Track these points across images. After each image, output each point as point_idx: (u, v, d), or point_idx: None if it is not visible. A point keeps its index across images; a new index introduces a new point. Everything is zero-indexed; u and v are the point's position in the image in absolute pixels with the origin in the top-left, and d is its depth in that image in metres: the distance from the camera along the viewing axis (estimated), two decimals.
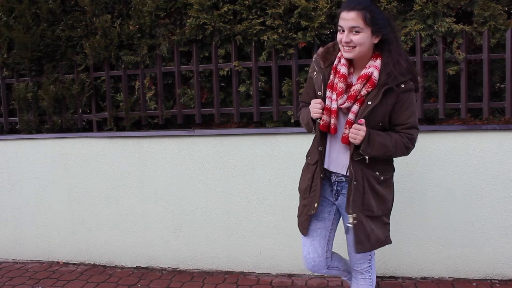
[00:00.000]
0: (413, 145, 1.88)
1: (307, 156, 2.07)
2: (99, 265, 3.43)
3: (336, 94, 1.82)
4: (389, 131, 1.86)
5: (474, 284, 2.81)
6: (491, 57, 2.82)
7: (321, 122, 1.85)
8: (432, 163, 2.82)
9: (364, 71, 1.79)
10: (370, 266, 2.05)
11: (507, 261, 2.82)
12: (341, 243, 2.15)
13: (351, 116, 1.81)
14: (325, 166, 1.94)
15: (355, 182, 1.84)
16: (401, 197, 2.87)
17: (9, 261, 3.63)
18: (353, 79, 1.84)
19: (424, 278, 2.91)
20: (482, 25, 2.79)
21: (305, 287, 2.89)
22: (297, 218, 2.08)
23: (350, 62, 1.84)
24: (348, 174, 1.87)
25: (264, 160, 3.04)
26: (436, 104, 2.90)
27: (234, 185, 3.11)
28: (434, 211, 2.85)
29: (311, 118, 1.88)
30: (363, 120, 1.76)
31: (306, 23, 2.85)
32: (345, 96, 1.82)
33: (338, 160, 1.91)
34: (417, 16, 2.83)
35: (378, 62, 1.79)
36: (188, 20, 3.04)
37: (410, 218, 2.88)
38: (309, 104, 1.89)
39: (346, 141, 1.83)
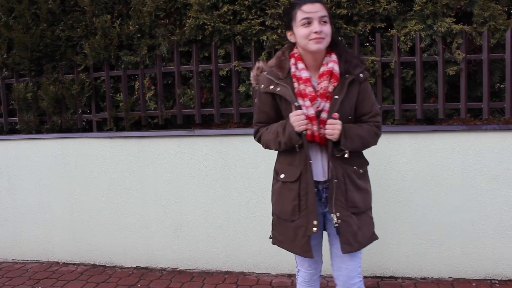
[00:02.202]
0: (381, 132, 1.88)
1: (277, 174, 1.94)
2: (99, 265, 3.43)
3: (309, 99, 1.75)
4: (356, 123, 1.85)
5: (474, 284, 2.81)
6: (491, 57, 2.82)
7: (309, 132, 1.76)
8: (432, 163, 2.82)
9: (324, 68, 1.77)
10: (361, 280, 1.91)
11: (507, 261, 2.82)
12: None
13: (324, 115, 1.76)
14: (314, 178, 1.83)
15: (336, 180, 1.78)
16: (401, 197, 2.88)
17: (9, 261, 3.63)
18: (313, 81, 1.80)
19: (424, 278, 2.91)
20: (481, 25, 2.79)
21: None
22: (277, 244, 1.97)
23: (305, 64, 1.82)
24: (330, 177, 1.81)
25: (264, 160, 3.04)
26: (436, 104, 2.90)
27: (234, 185, 3.11)
28: (434, 211, 2.85)
29: (296, 133, 1.76)
30: (337, 115, 1.73)
31: None
32: (319, 99, 1.76)
33: (324, 167, 1.83)
34: (417, 16, 2.83)
35: (334, 56, 1.79)
36: (188, 21, 3.04)
37: (410, 218, 2.88)
38: (268, 124, 1.87)
39: (324, 141, 1.77)
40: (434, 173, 2.83)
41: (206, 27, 3.00)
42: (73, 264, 3.48)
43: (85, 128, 3.51)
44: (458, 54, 2.80)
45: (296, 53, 1.82)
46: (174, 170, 3.20)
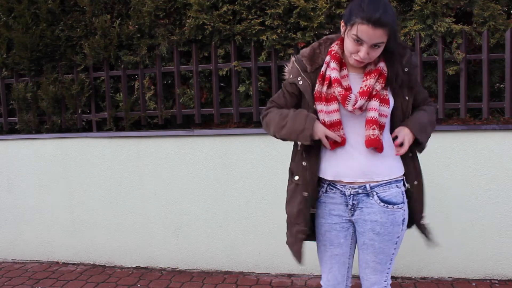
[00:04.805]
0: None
1: (292, 175, 1.75)
2: (98, 265, 3.43)
3: (341, 99, 1.57)
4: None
5: (474, 284, 2.81)
6: (490, 57, 2.82)
7: (328, 146, 1.62)
8: (431, 163, 2.82)
9: (371, 67, 1.60)
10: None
11: (506, 261, 2.82)
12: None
13: (373, 114, 1.57)
14: (332, 178, 1.66)
15: (416, 182, 1.77)
16: None
17: (8, 261, 3.63)
18: (351, 80, 1.61)
19: (423, 278, 2.91)
20: (481, 25, 2.79)
21: (305, 287, 2.89)
22: (287, 245, 1.78)
23: (342, 62, 1.62)
24: (384, 180, 1.65)
25: (264, 160, 3.04)
26: (436, 104, 2.90)
27: (233, 185, 3.11)
28: (434, 211, 2.85)
29: (310, 137, 1.59)
30: (398, 142, 1.65)
31: (305, 23, 2.85)
32: (353, 96, 1.56)
33: (362, 168, 1.62)
34: (417, 16, 2.83)
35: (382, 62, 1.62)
36: (188, 20, 3.04)
37: None
38: (281, 106, 1.70)
39: (375, 143, 1.58)
40: (434, 173, 2.82)
41: (206, 27, 3.00)
42: (73, 264, 3.48)
43: (85, 128, 3.51)
44: (458, 54, 2.80)
45: (334, 50, 1.62)
46: (174, 170, 3.20)
